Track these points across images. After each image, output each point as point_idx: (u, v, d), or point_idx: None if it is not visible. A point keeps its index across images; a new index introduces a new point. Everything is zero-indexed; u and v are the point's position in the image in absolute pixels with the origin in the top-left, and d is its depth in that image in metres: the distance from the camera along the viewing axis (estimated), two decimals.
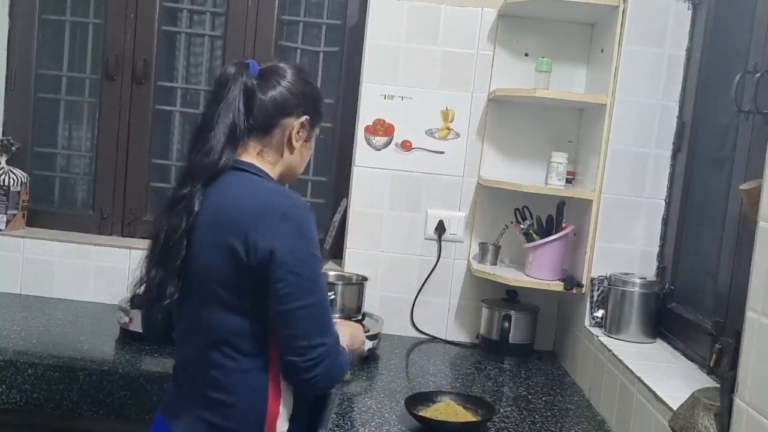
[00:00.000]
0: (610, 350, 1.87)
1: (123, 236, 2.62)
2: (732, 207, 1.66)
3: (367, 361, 2.13)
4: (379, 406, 1.80)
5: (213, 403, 1.33)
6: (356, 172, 2.43)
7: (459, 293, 2.47)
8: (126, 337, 2.13)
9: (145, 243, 2.51)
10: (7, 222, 2.53)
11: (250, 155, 1.39)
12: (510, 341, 2.26)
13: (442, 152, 2.42)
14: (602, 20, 2.25)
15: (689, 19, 2.02)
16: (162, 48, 2.60)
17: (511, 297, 2.35)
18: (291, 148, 1.42)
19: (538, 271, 2.23)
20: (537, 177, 2.37)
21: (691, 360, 1.78)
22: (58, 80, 2.65)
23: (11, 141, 2.54)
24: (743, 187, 1.30)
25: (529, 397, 1.98)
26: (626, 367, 1.73)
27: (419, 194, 2.43)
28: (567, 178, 2.25)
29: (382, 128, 2.41)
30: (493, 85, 2.38)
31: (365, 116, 2.40)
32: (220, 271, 1.29)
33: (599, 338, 1.98)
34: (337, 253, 2.50)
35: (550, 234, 2.21)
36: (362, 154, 2.42)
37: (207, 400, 1.33)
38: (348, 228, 2.45)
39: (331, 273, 2.36)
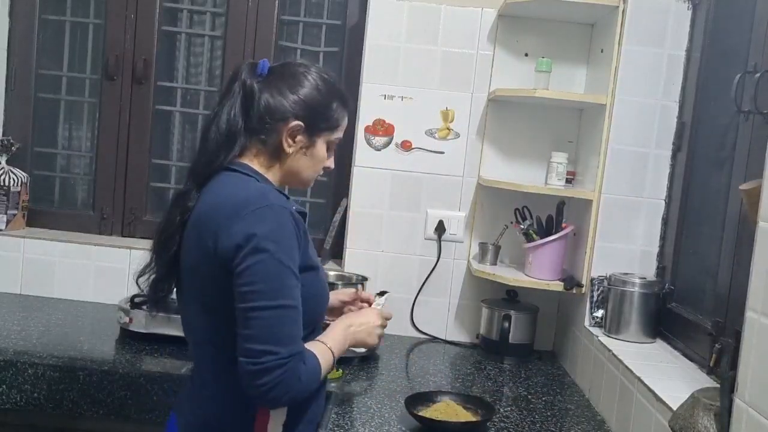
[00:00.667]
0: (610, 350, 1.87)
1: (123, 236, 2.62)
2: (732, 207, 1.66)
3: (367, 361, 2.13)
4: (379, 406, 1.81)
5: (207, 401, 1.34)
6: (356, 172, 2.43)
7: (459, 293, 2.47)
8: (126, 337, 2.13)
9: (145, 243, 2.54)
10: (7, 222, 2.53)
11: (248, 157, 1.38)
12: (510, 341, 2.26)
13: (442, 152, 2.42)
14: (602, 20, 2.25)
15: (689, 19, 2.02)
16: (162, 48, 2.60)
17: (511, 297, 2.35)
18: (285, 154, 1.37)
19: (538, 271, 2.23)
20: (537, 177, 2.37)
21: (691, 360, 1.78)
22: (58, 80, 2.66)
23: (11, 141, 2.54)
24: (743, 187, 1.30)
25: (529, 397, 1.98)
26: (626, 367, 1.73)
27: (419, 194, 2.43)
28: (567, 178, 2.25)
29: (382, 128, 2.41)
30: (493, 85, 2.38)
31: (365, 116, 2.40)
32: (198, 269, 1.30)
33: (599, 338, 1.98)
34: (337, 253, 2.50)
35: (550, 234, 2.21)
36: (362, 154, 2.42)
37: (203, 398, 1.35)
38: (348, 228, 2.45)
39: (331, 273, 2.36)
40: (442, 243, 2.44)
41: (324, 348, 1.35)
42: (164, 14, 2.59)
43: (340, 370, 1.98)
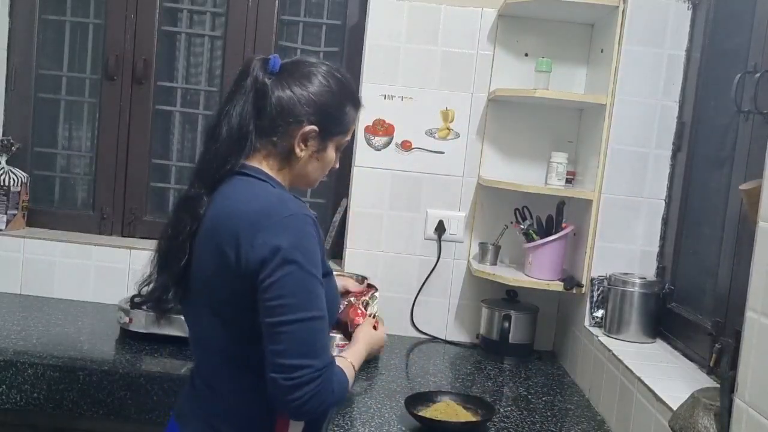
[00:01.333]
0: (610, 350, 1.87)
1: (123, 236, 2.62)
2: (732, 207, 1.66)
3: (367, 361, 2.13)
4: (379, 406, 1.81)
5: (224, 413, 1.30)
6: (356, 172, 2.43)
7: (459, 293, 2.47)
8: (126, 337, 2.13)
9: (145, 243, 2.55)
10: (7, 222, 2.53)
11: (258, 159, 1.32)
12: (510, 341, 2.26)
13: (442, 152, 2.42)
14: (602, 20, 2.25)
15: (689, 19, 2.02)
16: (162, 48, 2.60)
17: (511, 297, 2.35)
18: (296, 158, 1.33)
19: (538, 271, 2.23)
20: (537, 177, 2.37)
21: (691, 360, 1.78)
22: (58, 80, 2.65)
23: (11, 141, 2.54)
24: (743, 187, 1.30)
25: (529, 397, 1.98)
26: (626, 367, 1.73)
27: (419, 194, 2.43)
28: (567, 178, 2.25)
29: (382, 128, 2.41)
30: (493, 85, 2.38)
31: (365, 116, 2.40)
32: (214, 279, 1.25)
33: (599, 338, 1.98)
34: (337, 253, 2.50)
35: (550, 234, 2.21)
36: (362, 154, 2.42)
37: (217, 410, 1.31)
38: (348, 228, 2.45)
39: None
40: (442, 243, 2.44)
41: (348, 364, 1.33)
42: (164, 14, 2.59)
43: None
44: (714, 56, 1.90)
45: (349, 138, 1.43)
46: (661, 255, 2.07)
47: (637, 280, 1.98)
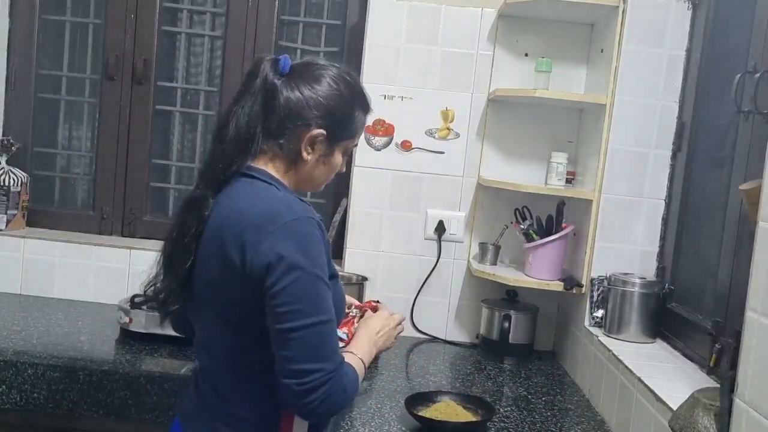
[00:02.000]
0: (610, 350, 1.87)
1: (123, 236, 2.62)
2: (732, 207, 1.66)
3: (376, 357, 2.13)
4: (379, 406, 1.81)
5: (227, 416, 1.30)
6: (356, 172, 2.43)
7: (459, 293, 2.47)
8: (126, 337, 2.13)
9: (145, 243, 2.55)
10: (7, 222, 2.53)
11: (264, 161, 1.31)
12: (510, 341, 2.26)
13: (442, 152, 2.42)
14: (602, 20, 2.25)
15: (689, 19, 2.02)
16: (162, 48, 2.60)
17: (510, 297, 2.35)
18: (302, 162, 1.32)
19: (538, 271, 2.23)
20: (537, 177, 2.37)
21: (691, 360, 1.78)
22: (58, 80, 2.65)
23: (11, 141, 2.54)
24: (743, 187, 1.30)
25: (529, 397, 1.98)
26: (626, 367, 1.73)
27: (419, 194, 2.43)
28: (567, 178, 2.25)
29: (382, 128, 2.41)
30: (493, 85, 2.38)
31: None
32: (219, 282, 1.24)
33: (599, 338, 1.98)
34: (337, 253, 2.50)
35: (550, 234, 2.21)
36: (362, 154, 2.42)
37: (222, 413, 1.30)
38: (348, 228, 2.45)
39: None
40: (442, 243, 2.44)
41: (357, 360, 1.33)
42: (164, 14, 2.59)
43: None
44: (714, 56, 1.90)
45: (357, 142, 1.42)
46: (661, 255, 2.07)
47: (637, 280, 1.98)
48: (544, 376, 2.17)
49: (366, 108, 1.40)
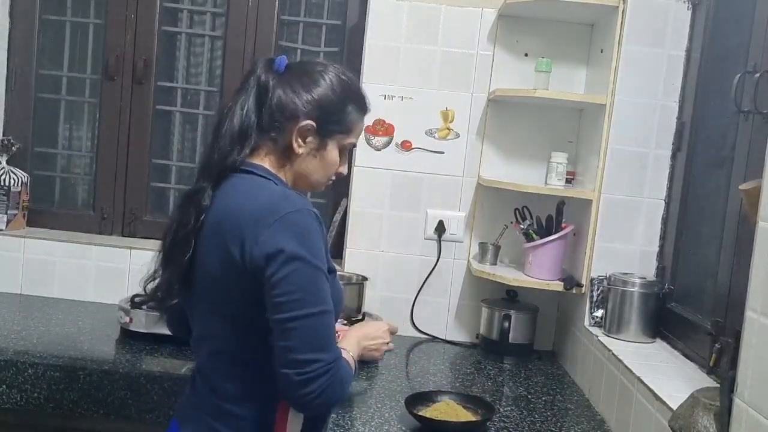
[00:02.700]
0: (609, 350, 1.87)
1: (123, 236, 2.62)
2: (732, 207, 1.66)
3: (367, 361, 2.13)
4: (379, 406, 1.81)
5: (223, 413, 1.30)
6: (356, 172, 2.43)
7: (459, 293, 2.47)
8: (126, 337, 2.13)
9: (145, 243, 2.55)
10: (8, 222, 2.53)
11: (260, 156, 1.33)
12: (510, 341, 2.26)
13: (442, 152, 2.42)
14: (602, 20, 2.25)
15: (689, 19, 2.02)
16: (162, 48, 2.60)
17: (510, 297, 2.35)
18: (294, 155, 1.33)
19: (537, 271, 2.23)
20: (537, 177, 2.37)
21: (691, 360, 1.78)
22: (58, 80, 2.66)
23: (11, 141, 2.55)
24: (743, 187, 1.30)
25: (529, 397, 1.98)
26: (626, 367, 1.73)
27: (419, 194, 2.43)
28: (567, 178, 2.25)
29: (382, 128, 2.41)
30: (493, 85, 2.38)
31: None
32: (219, 277, 1.25)
33: (599, 338, 1.98)
34: (337, 253, 2.50)
35: (550, 234, 2.21)
36: (362, 154, 2.42)
37: (217, 410, 1.31)
38: (348, 228, 2.45)
39: None
40: (442, 243, 2.44)
41: (349, 356, 1.33)
42: (164, 14, 2.59)
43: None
44: (714, 56, 1.90)
45: (354, 141, 1.42)
46: (661, 255, 2.07)
47: (637, 280, 1.98)
48: (544, 376, 2.17)
49: (361, 105, 1.40)
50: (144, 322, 2.08)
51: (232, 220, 1.24)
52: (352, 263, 2.45)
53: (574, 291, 2.15)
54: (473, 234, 2.45)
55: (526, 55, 2.38)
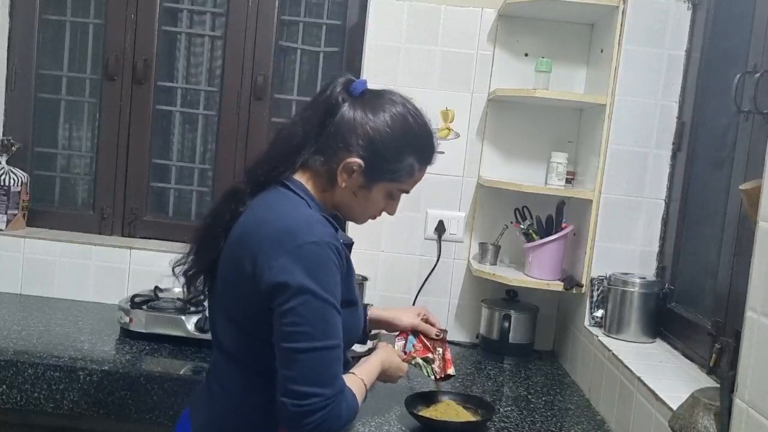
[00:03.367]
0: (609, 350, 1.87)
1: (123, 236, 2.62)
2: (732, 207, 1.66)
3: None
4: (379, 406, 1.80)
5: (232, 412, 1.31)
6: None
7: (459, 293, 2.47)
8: (126, 337, 2.12)
9: (145, 243, 2.55)
10: (8, 222, 2.53)
11: (306, 176, 1.31)
12: (510, 341, 2.26)
13: (442, 152, 2.41)
14: (602, 20, 2.25)
15: (689, 20, 2.02)
16: (162, 48, 2.60)
17: (510, 297, 2.35)
18: (337, 187, 1.31)
19: (538, 271, 2.23)
20: (537, 177, 2.37)
21: (691, 360, 1.78)
22: (58, 80, 2.65)
23: (11, 141, 2.54)
24: (743, 187, 1.30)
25: (529, 397, 1.98)
26: (626, 366, 1.73)
27: (419, 194, 2.43)
28: (567, 178, 2.25)
29: None
30: (493, 85, 2.38)
31: None
32: (232, 287, 1.26)
33: (599, 338, 1.98)
34: None
35: (550, 234, 2.21)
36: None
37: (224, 408, 1.32)
38: (348, 228, 2.45)
39: None
40: (442, 243, 2.44)
41: (359, 382, 1.33)
42: (164, 14, 2.59)
43: None
44: (714, 56, 1.90)
45: (406, 189, 1.38)
46: (661, 255, 2.07)
47: (637, 280, 1.98)
48: (544, 376, 2.17)
49: (423, 157, 1.36)
50: (144, 322, 2.08)
51: (253, 235, 1.23)
52: (352, 263, 2.44)
53: (574, 291, 2.15)
54: (473, 234, 2.45)
55: (526, 55, 2.38)
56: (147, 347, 2.06)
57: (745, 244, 1.51)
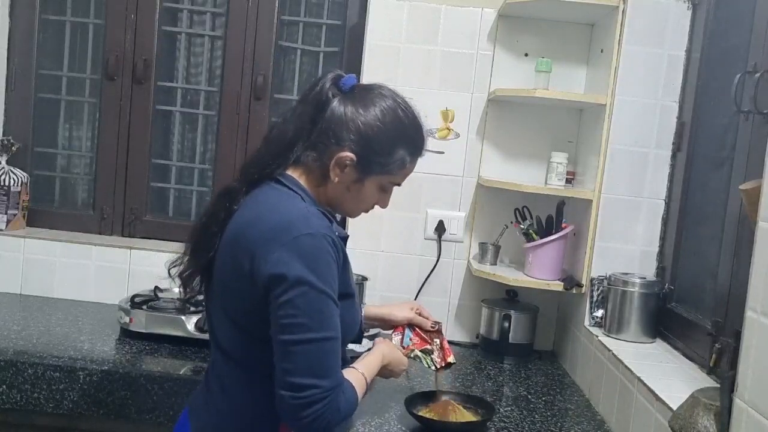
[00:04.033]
0: (610, 350, 1.87)
1: (123, 236, 2.62)
2: (732, 207, 1.66)
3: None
4: (379, 406, 1.80)
5: (231, 411, 1.31)
6: None
7: (459, 293, 2.47)
8: (126, 337, 2.13)
9: (145, 243, 2.55)
10: (8, 222, 2.53)
11: (299, 171, 1.32)
12: (510, 341, 2.26)
13: (442, 152, 2.42)
14: (602, 20, 2.25)
15: (689, 20, 2.02)
16: (162, 48, 2.60)
17: (510, 297, 2.35)
18: (330, 181, 1.31)
19: (538, 271, 2.23)
20: (537, 177, 2.37)
21: (691, 360, 1.78)
22: (58, 80, 2.65)
23: (11, 141, 2.54)
24: (743, 187, 1.30)
25: (529, 397, 1.98)
26: (626, 366, 1.73)
27: (419, 194, 2.43)
28: (567, 178, 2.25)
29: None
30: (493, 85, 2.38)
31: None
32: (230, 284, 1.26)
33: (599, 338, 1.98)
34: None
35: (550, 234, 2.21)
36: None
37: (224, 407, 1.32)
38: (348, 228, 2.45)
39: None
40: (442, 243, 2.44)
41: (360, 376, 1.32)
42: (164, 14, 2.59)
43: None
44: (714, 56, 1.90)
45: (397, 181, 1.39)
46: (661, 255, 2.07)
47: (637, 280, 1.98)
48: (544, 376, 2.17)
49: (414, 149, 1.37)
50: (144, 322, 2.08)
51: (248, 231, 1.23)
52: (352, 263, 2.41)
53: (574, 291, 2.15)
54: (473, 234, 2.45)
55: (526, 55, 2.38)
56: (147, 347, 2.06)
57: (745, 244, 1.51)
